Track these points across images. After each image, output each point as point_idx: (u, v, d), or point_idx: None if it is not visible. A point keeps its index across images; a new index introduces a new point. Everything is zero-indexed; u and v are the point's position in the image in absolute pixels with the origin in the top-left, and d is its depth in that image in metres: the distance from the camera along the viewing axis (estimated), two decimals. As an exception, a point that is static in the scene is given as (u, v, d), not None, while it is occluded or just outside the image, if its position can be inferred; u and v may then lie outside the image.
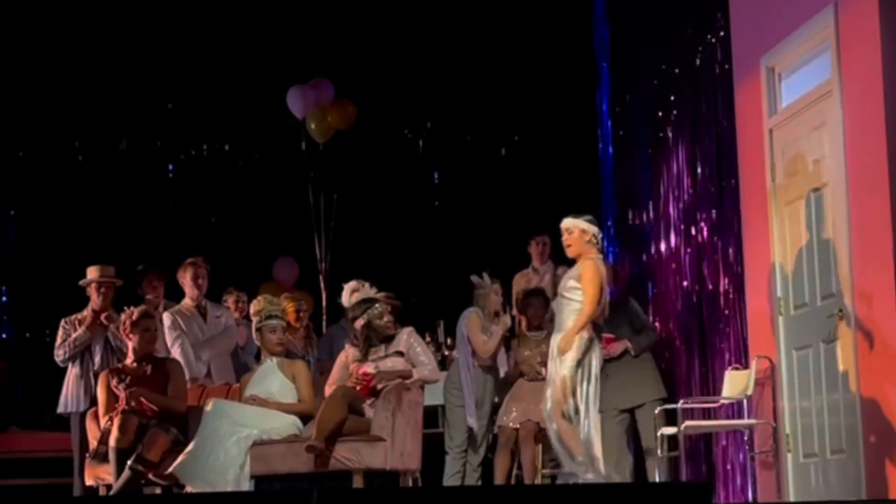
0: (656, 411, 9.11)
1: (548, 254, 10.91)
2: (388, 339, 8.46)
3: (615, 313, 9.68)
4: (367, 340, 8.42)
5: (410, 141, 12.99)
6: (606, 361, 9.55)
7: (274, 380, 8.44)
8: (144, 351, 8.67)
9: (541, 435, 9.63)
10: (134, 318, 8.66)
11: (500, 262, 12.55)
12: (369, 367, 8.34)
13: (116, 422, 8.20)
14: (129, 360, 8.69)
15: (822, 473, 8.06)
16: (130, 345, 8.66)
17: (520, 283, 10.88)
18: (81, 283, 9.61)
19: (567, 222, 8.15)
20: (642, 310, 9.97)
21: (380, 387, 8.22)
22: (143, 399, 8.33)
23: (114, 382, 8.51)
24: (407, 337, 8.46)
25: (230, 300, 10.17)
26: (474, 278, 9.80)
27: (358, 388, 8.23)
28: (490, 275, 9.82)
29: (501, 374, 9.80)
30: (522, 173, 12.69)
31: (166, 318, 9.41)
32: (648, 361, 9.65)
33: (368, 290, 8.55)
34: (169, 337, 9.33)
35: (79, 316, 9.52)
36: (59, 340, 9.45)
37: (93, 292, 9.55)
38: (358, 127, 12.34)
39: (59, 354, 9.42)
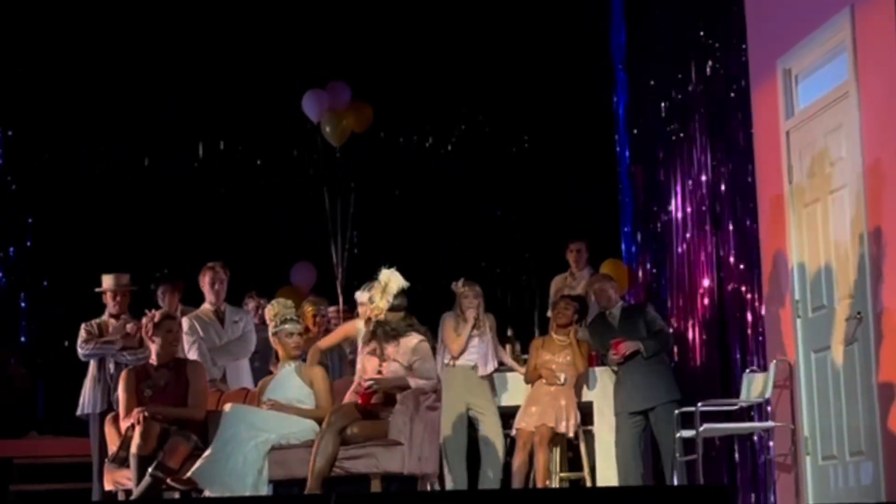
0: (675, 413, 9.09)
1: (584, 259, 10.93)
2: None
3: (631, 317, 9.69)
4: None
5: (428, 144, 12.99)
6: (619, 364, 9.57)
7: (291, 386, 8.44)
8: (168, 353, 8.69)
9: (557, 439, 9.64)
10: (156, 320, 8.67)
11: (520, 264, 12.61)
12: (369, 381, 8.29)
13: (139, 429, 8.20)
14: (153, 360, 8.70)
15: (841, 476, 8.04)
16: (154, 347, 8.69)
17: (556, 285, 10.93)
18: (98, 290, 9.67)
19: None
20: (659, 314, 9.95)
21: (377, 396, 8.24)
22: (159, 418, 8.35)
23: (139, 387, 8.53)
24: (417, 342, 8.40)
25: (251, 305, 10.20)
26: (453, 285, 9.96)
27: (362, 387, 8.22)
28: (466, 282, 9.95)
29: (480, 372, 9.83)
30: (540, 177, 12.69)
31: (184, 322, 9.45)
32: (661, 364, 9.62)
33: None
34: (186, 342, 9.35)
35: (97, 320, 9.59)
36: (82, 337, 9.49)
37: (108, 299, 9.61)
38: (375, 130, 12.34)
39: (85, 349, 9.47)
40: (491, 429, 9.73)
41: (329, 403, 8.41)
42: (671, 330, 10.29)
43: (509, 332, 10.55)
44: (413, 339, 8.27)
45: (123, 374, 8.68)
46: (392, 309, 8.30)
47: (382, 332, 8.28)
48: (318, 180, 12.24)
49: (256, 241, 12.26)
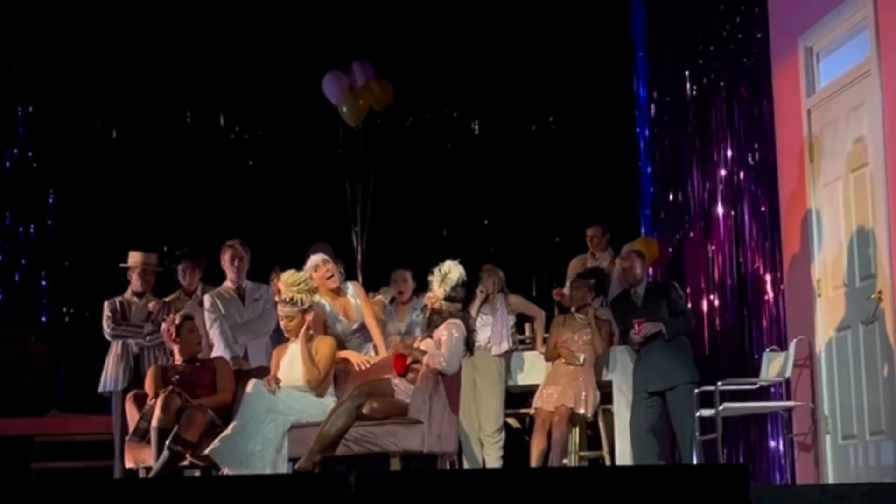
0: (695, 392, 9.07)
1: (601, 242, 10.85)
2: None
3: (655, 296, 9.63)
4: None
5: (447, 125, 12.97)
6: (640, 344, 9.55)
7: (298, 363, 8.43)
8: (190, 353, 8.76)
9: (577, 418, 9.64)
10: (177, 322, 8.72)
11: (540, 245, 12.59)
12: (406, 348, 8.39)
13: (159, 402, 8.28)
14: (178, 360, 8.77)
15: (861, 455, 8.02)
16: (176, 348, 8.75)
17: (574, 266, 10.91)
18: (123, 265, 9.72)
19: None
20: (683, 295, 9.90)
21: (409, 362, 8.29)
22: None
23: (166, 376, 8.59)
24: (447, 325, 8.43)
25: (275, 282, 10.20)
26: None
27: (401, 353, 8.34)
28: (488, 265, 10.09)
29: (493, 352, 9.88)
30: (560, 157, 12.67)
31: (206, 300, 9.47)
32: (682, 345, 9.56)
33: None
34: (207, 319, 9.38)
35: (120, 298, 9.65)
36: (107, 316, 9.56)
37: (134, 277, 9.67)
38: (395, 112, 12.32)
39: (114, 330, 9.55)
40: (482, 406, 9.77)
41: (326, 371, 8.38)
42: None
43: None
44: (449, 321, 8.34)
45: (151, 370, 8.76)
46: (451, 300, 8.35)
47: (436, 321, 8.36)
48: (338, 161, 12.24)
49: (276, 221, 12.25)
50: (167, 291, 9.97)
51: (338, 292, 8.93)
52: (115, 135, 12.57)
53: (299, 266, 10.58)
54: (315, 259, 8.91)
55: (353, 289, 9.02)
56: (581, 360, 9.65)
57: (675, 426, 9.46)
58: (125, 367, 9.52)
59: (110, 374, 9.55)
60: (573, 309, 9.95)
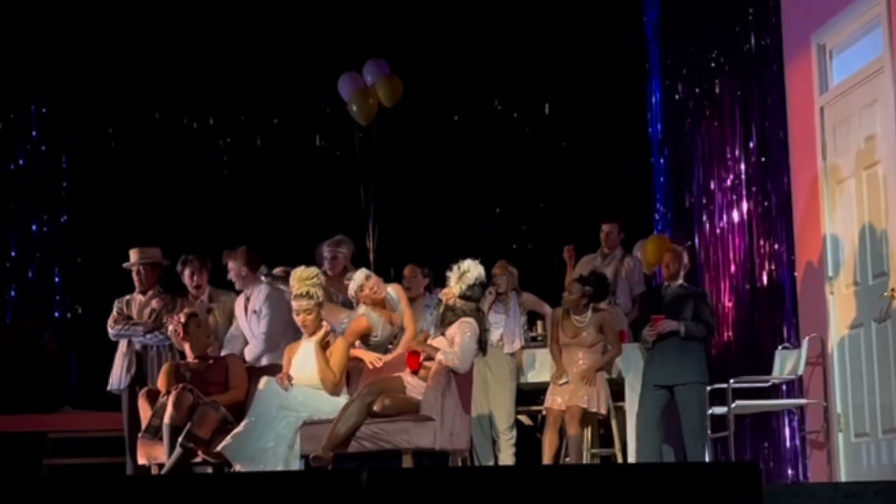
0: (706, 390, 9.04)
1: (613, 241, 10.77)
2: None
3: (684, 298, 9.52)
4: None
5: (459, 123, 12.96)
6: (654, 342, 9.52)
7: (310, 361, 8.42)
8: (201, 349, 8.76)
9: (589, 417, 9.62)
10: (183, 321, 8.71)
11: (550, 243, 12.56)
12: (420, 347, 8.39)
13: (171, 399, 8.29)
14: (190, 357, 8.77)
15: (873, 453, 8.01)
16: (187, 347, 8.75)
17: (584, 264, 10.87)
18: (124, 266, 9.71)
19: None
20: (711, 307, 9.81)
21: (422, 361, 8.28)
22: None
23: (179, 372, 8.61)
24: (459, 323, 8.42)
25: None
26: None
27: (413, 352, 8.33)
28: (502, 261, 10.06)
29: (506, 350, 9.85)
30: (571, 155, 12.65)
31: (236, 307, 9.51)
32: (696, 347, 9.47)
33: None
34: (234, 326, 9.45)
35: (128, 296, 9.64)
36: (112, 316, 9.56)
37: (134, 274, 9.65)
38: (407, 109, 12.30)
39: (115, 328, 9.55)
40: (494, 404, 9.78)
41: (338, 371, 8.37)
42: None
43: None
44: (463, 319, 8.31)
45: (165, 367, 8.78)
46: (465, 298, 8.34)
47: (449, 317, 8.35)
48: (350, 160, 12.23)
49: (288, 220, 12.25)
50: (175, 285, 9.91)
51: (384, 304, 8.90)
52: (130, 133, 12.58)
53: (309, 263, 10.61)
54: (359, 278, 8.80)
55: (394, 293, 8.97)
56: (580, 364, 9.52)
57: (683, 423, 9.43)
58: (128, 366, 9.53)
59: (115, 373, 9.58)
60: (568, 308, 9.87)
